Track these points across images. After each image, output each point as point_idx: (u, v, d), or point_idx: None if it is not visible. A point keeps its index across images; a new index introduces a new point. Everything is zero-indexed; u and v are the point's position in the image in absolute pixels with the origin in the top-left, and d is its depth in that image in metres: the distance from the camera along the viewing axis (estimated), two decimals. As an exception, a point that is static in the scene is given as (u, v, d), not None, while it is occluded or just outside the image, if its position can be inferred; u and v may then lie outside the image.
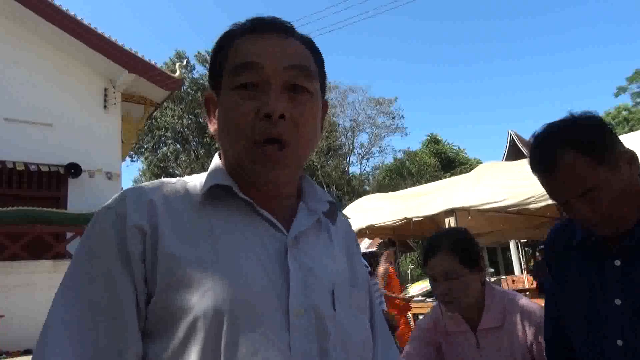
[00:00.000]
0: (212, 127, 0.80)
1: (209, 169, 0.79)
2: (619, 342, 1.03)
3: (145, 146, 25.43)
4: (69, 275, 0.66)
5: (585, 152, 1.01)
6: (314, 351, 0.66)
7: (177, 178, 0.79)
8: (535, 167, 1.10)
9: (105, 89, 10.42)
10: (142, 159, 26.07)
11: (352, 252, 0.87)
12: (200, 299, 0.62)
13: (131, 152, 23.09)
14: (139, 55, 10.21)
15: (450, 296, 1.50)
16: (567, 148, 1.02)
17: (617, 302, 1.04)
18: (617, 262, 1.05)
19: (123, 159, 12.24)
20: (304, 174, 0.85)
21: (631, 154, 1.04)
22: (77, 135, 9.71)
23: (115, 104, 10.49)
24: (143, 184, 0.74)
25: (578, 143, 1.02)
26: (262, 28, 0.76)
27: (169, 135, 25.20)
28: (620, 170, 1.02)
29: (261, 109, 0.70)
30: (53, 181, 9.32)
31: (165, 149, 25.75)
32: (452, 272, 1.49)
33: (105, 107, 10.35)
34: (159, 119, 24.20)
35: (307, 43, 0.79)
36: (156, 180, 0.76)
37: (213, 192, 0.73)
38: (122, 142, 11.08)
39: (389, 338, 0.89)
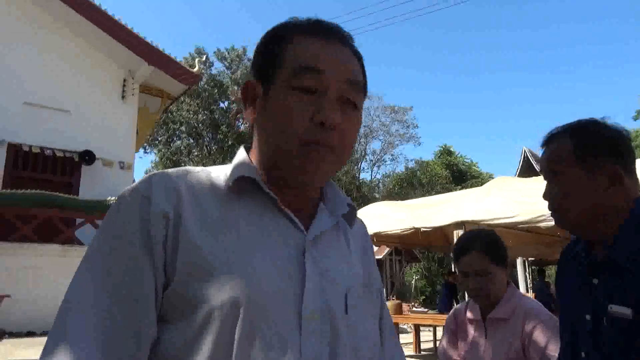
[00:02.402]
0: (251, 116, 0.79)
1: (234, 162, 0.78)
2: (582, 354, 1.11)
3: (159, 139, 25.58)
4: (93, 252, 0.66)
5: (575, 142, 1.10)
6: (325, 355, 0.66)
7: (201, 168, 0.78)
8: (541, 142, 1.21)
9: (124, 80, 10.54)
10: (156, 151, 26.21)
11: (368, 256, 0.88)
12: (218, 291, 0.62)
13: (145, 144, 23.31)
14: (160, 48, 10.31)
15: (481, 290, 1.68)
16: (568, 134, 1.13)
17: (587, 317, 1.10)
18: (595, 281, 1.11)
19: (137, 150, 12.36)
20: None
21: (616, 172, 1.07)
22: (93, 124, 9.83)
23: (133, 95, 10.60)
24: (169, 170, 0.74)
25: (576, 136, 1.11)
26: (325, 33, 0.76)
27: (184, 129, 25.32)
28: (595, 179, 1.08)
29: (317, 116, 0.71)
30: (67, 167, 9.43)
31: (178, 142, 25.87)
32: (484, 270, 1.67)
33: (123, 97, 10.47)
34: (174, 113, 24.34)
35: (359, 57, 0.81)
36: (181, 168, 0.75)
37: (238, 185, 0.73)
38: (137, 133, 11.18)
39: (396, 341, 0.90)
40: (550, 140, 1.16)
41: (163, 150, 25.87)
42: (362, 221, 0.93)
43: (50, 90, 9.54)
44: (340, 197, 0.83)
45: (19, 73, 9.24)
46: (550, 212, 1.16)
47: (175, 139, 26.08)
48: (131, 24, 10.52)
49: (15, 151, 8.99)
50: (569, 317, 1.19)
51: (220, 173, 0.77)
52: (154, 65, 10.18)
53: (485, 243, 1.70)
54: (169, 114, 23.43)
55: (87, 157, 9.50)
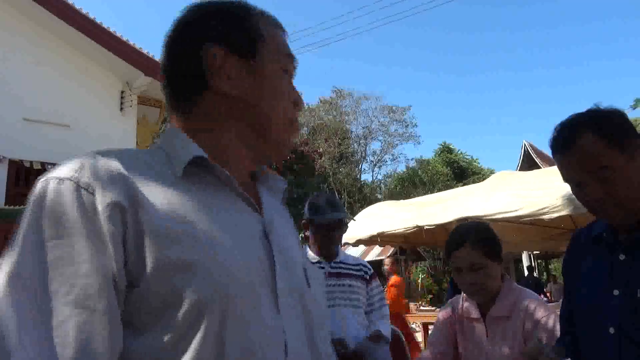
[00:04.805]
0: (229, 85, 0.73)
1: (171, 142, 0.72)
2: (611, 330, 1.09)
3: (159, 149, 25.63)
4: (18, 261, 0.54)
5: (602, 135, 1.08)
6: (302, 330, 0.68)
7: (134, 149, 0.73)
8: (555, 147, 1.17)
9: (122, 92, 10.56)
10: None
11: (291, 222, 0.89)
12: (201, 284, 0.57)
13: (145, 155, 23.29)
14: (156, 58, 10.34)
15: (475, 286, 1.61)
16: (585, 130, 1.10)
17: (615, 292, 1.10)
18: (622, 257, 1.11)
19: (137, 161, 12.36)
20: None
21: None
22: (93, 137, 9.84)
23: (131, 106, 10.62)
24: (100, 151, 0.64)
25: (596, 126, 1.09)
26: (281, 25, 0.84)
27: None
28: (635, 159, 1.08)
29: (299, 101, 0.82)
30: (68, 181, 9.44)
31: (178, 152, 25.91)
32: (477, 264, 1.60)
33: (121, 109, 10.49)
34: (173, 123, 24.33)
35: None
36: (113, 149, 0.66)
37: (196, 169, 0.68)
38: (137, 144, 11.20)
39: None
40: (572, 142, 1.11)
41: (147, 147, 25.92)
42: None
43: (49, 105, 9.57)
44: (273, 175, 0.85)
45: (18, 89, 9.27)
46: (602, 208, 1.11)
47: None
48: (127, 34, 10.57)
49: (17, 168, 9.01)
50: (585, 298, 1.18)
51: (159, 154, 0.70)
52: (151, 76, 10.20)
53: (478, 236, 1.64)
54: (168, 124, 23.43)
55: (89, 170, 9.50)
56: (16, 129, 9.06)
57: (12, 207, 8.01)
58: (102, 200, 0.56)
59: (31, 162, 8.99)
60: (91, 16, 9.83)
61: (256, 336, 0.60)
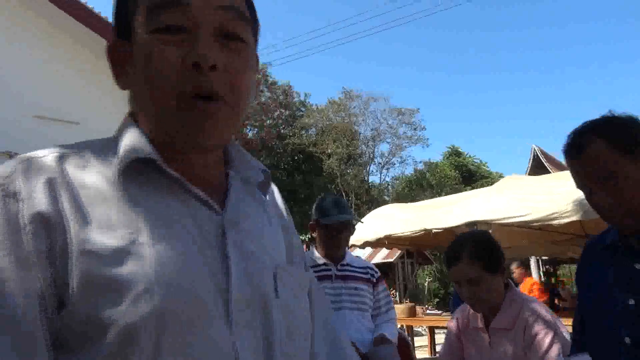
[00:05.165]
0: (122, 83, 0.67)
1: (122, 134, 0.64)
2: (627, 340, 1.08)
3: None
4: None
5: (612, 142, 1.09)
6: (260, 345, 0.58)
7: (82, 142, 0.65)
8: (567, 153, 1.18)
9: (132, 90, 10.65)
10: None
11: (285, 222, 0.78)
12: (128, 307, 0.50)
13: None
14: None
15: (474, 299, 1.59)
16: (596, 137, 1.11)
17: (631, 302, 1.09)
18: (638, 266, 1.11)
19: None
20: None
21: None
22: (103, 134, 9.83)
23: (141, 105, 10.70)
24: (39, 152, 0.58)
25: (608, 133, 1.11)
26: None
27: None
28: None
29: (188, 56, 0.58)
30: (78, 178, 9.53)
31: (187, 151, 26.02)
32: (475, 278, 1.56)
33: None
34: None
35: None
36: (56, 147, 0.61)
37: (136, 168, 0.59)
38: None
39: (328, 306, 0.82)
40: (583, 148, 1.13)
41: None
42: (273, 185, 0.82)
43: (59, 102, 9.65)
44: (250, 162, 0.72)
45: (29, 87, 9.35)
46: (612, 214, 1.12)
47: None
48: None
49: (27, 164, 9.11)
50: (598, 308, 1.18)
51: (107, 150, 0.62)
52: (161, 75, 10.27)
53: (475, 250, 1.59)
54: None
55: (98, 168, 9.59)
56: (27, 127, 9.15)
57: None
58: (28, 210, 0.51)
59: (41, 159, 9.09)
60: (103, 15, 9.91)
61: (200, 356, 0.53)
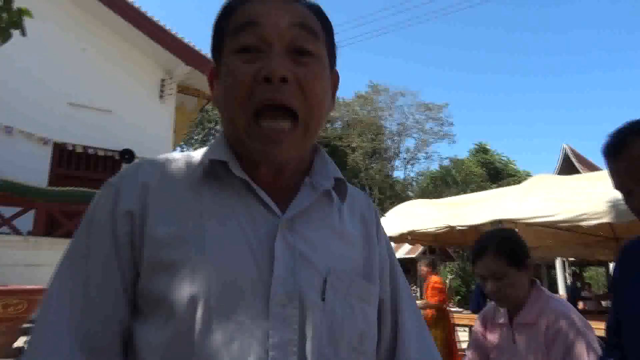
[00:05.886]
0: (213, 99, 0.75)
1: (211, 145, 0.74)
2: None
3: (195, 137, 26.13)
4: (72, 245, 0.68)
5: None
6: (294, 341, 0.61)
7: (185, 153, 0.76)
8: (606, 153, 1.17)
9: (162, 80, 10.80)
10: (192, 149, 26.71)
11: (370, 233, 0.79)
12: (178, 286, 0.61)
13: (182, 143, 23.79)
14: (197, 48, 10.51)
15: (499, 294, 1.61)
16: (636, 137, 1.10)
17: None
18: None
19: (174, 149, 12.65)
20: (318, 147, 0.79)
21: None
22: (133, 123, 10.11)
23: (171, 94, 10.85)
24: (147, 159, 0.72)
25: None
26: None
27: (218, 128, 25.77)
28: None
29: (260, 71, 0.64)
30: (108, 165, 9.75)
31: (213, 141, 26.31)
32: (500, 273, 1.59)
33: (161, 97, 10.73)
34: (210, 112, 24.79)
35: (314, 8, 0.73)
36: (163, 156, 0.73)
37: (212, 169, 0.69)
38: (174, 132, 11.44)
39: (421, 327, 0.81)
40: (622, 148, 1.12)
41: (199, 149, 26.40)
42: (367, 196, 0.85)
43: (92, 90, 9.88)
44: (327, 168, 0.76)
45: (64, 75, 9.60)
46: None
47: (210, 138, 26.55)
48: (169, 24, 10.81)
49: (60, 150, 9.36)
50: (632, 308, 1.17)
51: (199, 157, 0.72)
52: (192, 65, 10.38)
53: (501, 245, 1.62)
54: (205, 113, 23.86)
55: (127, 155, 9.79)
56: (61, 113, 9.41)
57: (54, 188, 8.32)
58: (122, 205, 0.65)
59: (74, 146, 9.33)
60: (136, 5, 10.07)
61: (227, 342, 0.59)
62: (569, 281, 17.17)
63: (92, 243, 0.65)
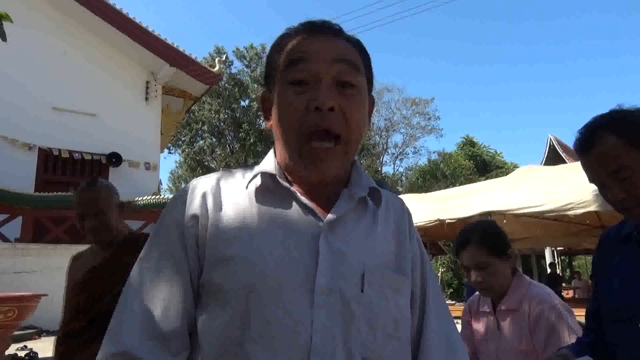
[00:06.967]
0: (267, 124, 0.87)
1: (263, 161, 0.86)
2: None
3: (182, 139, 25.91)
4: (147, 247, 0.80)
5: (622, 135, 1.10)
6: (337, 329, 0.70)
7: (239, 169, 0.88)
8: (577, 148, 1.19)
9: (147, 82, 10.72)
10: (180, 151, 26.55)
11: (403, 233, 0.88)
12: (232, 278, 0.71)
13: (169, 144, 23.65)
14: (180, 49, 10.45)
15: (483, 283, 1.66)
16: (605, 130, 1.12)
17: None
18: None
19: (161, 151, 12.56)
20: (355, 161, 0.90)
21: None
22: (119, 126, 10.03)
23: (156, 96, 10.77)
24: (208, 176, 0.86)
25: (616, 127, 1.11)
26: (313, 30, 0.82)
27: (206, 129, 25.59)
28: None
29: (311, 102, 0.76)
30: (95, 169, 9.66)
31: (201, 142, 26.15)
32: (483, 263, 1.65)
33: (146, 99, 10.65)
34: (196, 113, 24.62)
35: (355, 43, 0.85)
36: (219, 172, 0.87)
37: (262, 182, 0.81)
38: (161, 133, 11.36)
39: (447, 322, 0.88)
40: (592, 143, 1.13)
41: (187, 150, 26.21)
42: (401, 200, 0.95)
43: (76, 94, 9.78)
44: (362, 179, 0.87)
45: (47, 80, 9.49)
46: (625, 207, 1.13)
47: (198, 138, 26.40)
48: (151, 23, 10.72)
49: (46, 155, 9.26)
50: (616, 296, 1.19)
51: (250, 172, 0.85)
52: (176, 66, 10.32)
53: (482, 235, 1.67)
54: (192, 114, 23.71)
55: (114, 159, 9.71)
56: (45, 118, 9.30)
57: (41, 193, 8.23)
58: (189, 211, 0.78)
59: (59, 151, 9.22)
60: (117, 7, 9.98)
61: (276, 327, 0.69)
62: (558, 270, 17.41)
63: (165, 242, 0.77)
